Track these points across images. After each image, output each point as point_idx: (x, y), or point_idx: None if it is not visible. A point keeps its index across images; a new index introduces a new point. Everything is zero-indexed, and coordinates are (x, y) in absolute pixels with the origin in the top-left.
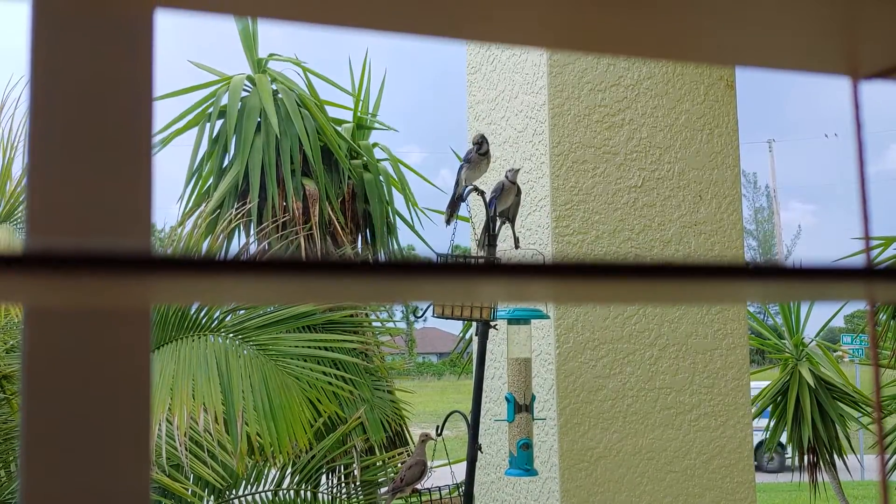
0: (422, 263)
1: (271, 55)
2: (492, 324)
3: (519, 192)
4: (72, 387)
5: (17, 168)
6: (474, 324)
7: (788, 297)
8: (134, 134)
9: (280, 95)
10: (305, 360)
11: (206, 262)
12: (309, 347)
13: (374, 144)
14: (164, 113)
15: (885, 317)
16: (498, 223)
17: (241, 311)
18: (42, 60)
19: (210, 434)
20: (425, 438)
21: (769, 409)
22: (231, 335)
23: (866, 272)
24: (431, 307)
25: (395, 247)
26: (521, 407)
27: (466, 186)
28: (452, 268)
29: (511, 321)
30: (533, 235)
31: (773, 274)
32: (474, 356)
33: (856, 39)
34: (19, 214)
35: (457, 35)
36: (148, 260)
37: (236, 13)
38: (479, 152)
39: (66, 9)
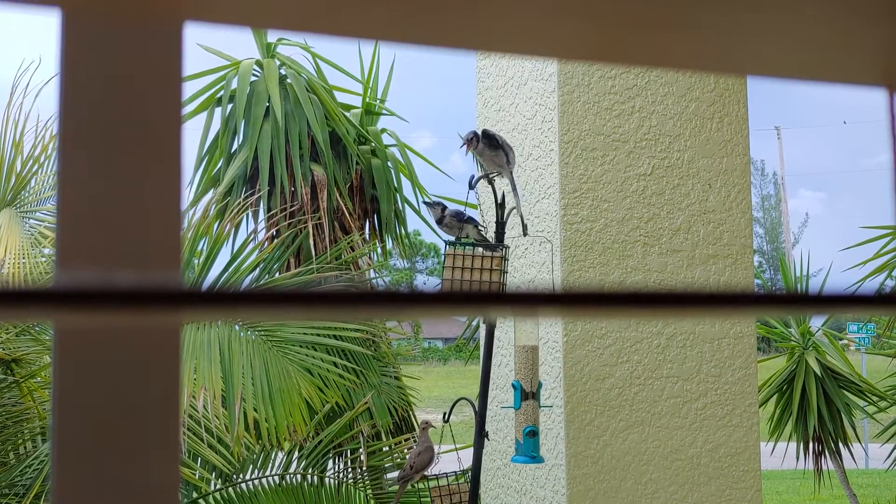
0: (434, 294)
1: (280, 39)
2: None
3: (507, 151)
4: (104, 384)
5: (22, 156)
6: None
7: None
8: (164, 143)
9: (289, 80)
10: (315, 349)
11: (232, 295)
12: (317, 335)
13: (383, 130)
14: None
15: None
16: (506, 210)
17: None
18: (71, 73)
19: (218, 418)
20: (426, 426)
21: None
22: (237, 321)
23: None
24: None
25: (403, 233)
26: (527, 394)
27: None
28: (465, 298)
29: None
30: (541, 223)
31: (790, 302)
32: (481, 344)
33: (892, 50)
34: (22, 199)
35: (474, 47)
36: (176, 295)
37: (262, 27)
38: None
39: (96, 23)
